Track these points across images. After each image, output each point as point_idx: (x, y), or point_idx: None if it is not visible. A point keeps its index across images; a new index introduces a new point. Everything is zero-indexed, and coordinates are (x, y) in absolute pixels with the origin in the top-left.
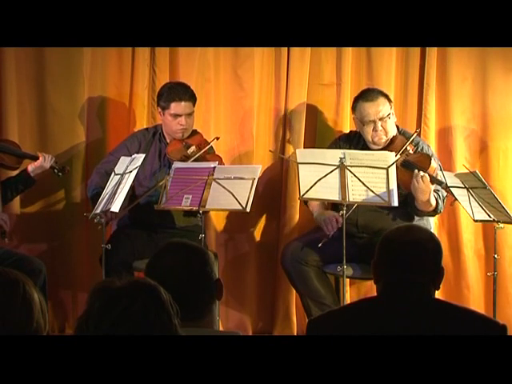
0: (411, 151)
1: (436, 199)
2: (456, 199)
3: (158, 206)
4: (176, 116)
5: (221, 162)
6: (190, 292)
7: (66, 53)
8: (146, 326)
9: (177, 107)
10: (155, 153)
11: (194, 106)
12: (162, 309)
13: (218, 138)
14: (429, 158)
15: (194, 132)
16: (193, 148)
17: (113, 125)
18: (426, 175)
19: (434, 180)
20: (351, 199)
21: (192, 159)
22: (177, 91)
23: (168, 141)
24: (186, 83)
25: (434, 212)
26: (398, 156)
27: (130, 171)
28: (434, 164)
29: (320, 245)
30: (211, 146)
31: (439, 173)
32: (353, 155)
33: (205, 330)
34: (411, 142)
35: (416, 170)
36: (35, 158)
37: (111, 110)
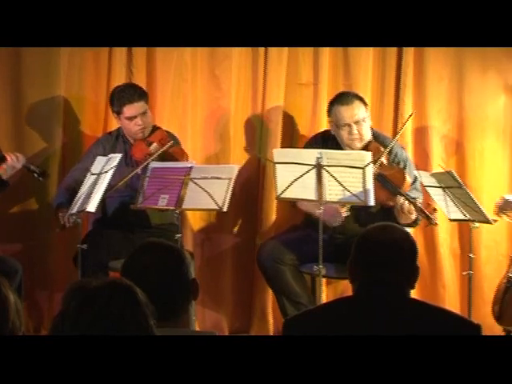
0: (385, 162)
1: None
2: (429, 221)
3: (134, 206)
4: (131, 118)
5: (184, 156)
6: (166, 292)
7: (43, 53)
8: (122, 326)
9: (130, 110)
10: (121, 155)
11: (146, 103)
12: (137, 309)
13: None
14: (402, 172)
15: (155, 128)
16: (155, 145)
17: (89, 125)
18: (412, 206)
19: (407, 198)
20: (328, 199)
21: (155, 156)
22: (126, 94)
23: (132, 141)
24: (134, 83)
25: (414, 223)
26: (375, 168)
27: (107, 171)
28: (408, 179)
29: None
30: (176, 140)
31: (415, 172)
32: (330, 155)
33: (181, 330)
34: (385, 148)
35: (401, 199)
36: (2, 159)
37: (88, 110)
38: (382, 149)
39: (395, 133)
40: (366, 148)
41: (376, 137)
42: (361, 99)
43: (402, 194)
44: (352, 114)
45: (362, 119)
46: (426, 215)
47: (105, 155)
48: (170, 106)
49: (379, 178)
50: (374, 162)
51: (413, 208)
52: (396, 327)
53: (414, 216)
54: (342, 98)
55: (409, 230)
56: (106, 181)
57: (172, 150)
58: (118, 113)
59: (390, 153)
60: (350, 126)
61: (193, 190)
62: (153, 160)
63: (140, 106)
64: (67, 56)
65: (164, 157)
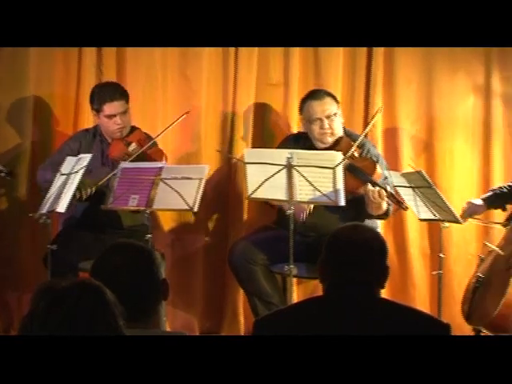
0: (357, 154)
1: (387, 203)
2: (399, 205)
3: (104, 206)
4: (111, 116)
5: (163, 157)
6: (136, 292)
7: (12, 53)
8: (91, 326)
9: (110, 108)
10: (98, 154)
11: (127, 103)
12: (106, 309)
13: (187, 113)
14: (373, 163)
15: (133, 128)
16: (133, 145)
17: (59, 124)
18: (383, 191)
19: (376, 185)
20: (298, 199)
21: (133, 156)
22: (107, 92)
23: (109, 140)
24: (115, 81)
25: (385, 215)
26: (345, 156)
27: (77, 171)
28: (379, 169)
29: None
30: (154, 142)
31: (385, 172)
32: (300, 155)
33: (151, 331)
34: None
35: (371, 186)
36: None
37: (58, 109)
38: (353, 143)
39: (366, 135)
40: (337, 143)
41: (348, 134)
42: (333, 96)
43: (372, 181)
44: (324, 108)
45: (333, 114)
46: (397, 200)
47: (80, 152)
48: (141, 106)
49: (350, 169)
50: (345, 153)
51: (383, 192)
52: (366, 327)
53: (384, 205)
54: (313, 94)
55: (379, 229)
56: (76, 181)
57: (150, 152)
58: (98, 110)
59: (362, 148)
60: (321, 120)
61: (163, 191)
62: (131, 161)
63: (120, 105)
64: (37, 56)
65: (143, 158)
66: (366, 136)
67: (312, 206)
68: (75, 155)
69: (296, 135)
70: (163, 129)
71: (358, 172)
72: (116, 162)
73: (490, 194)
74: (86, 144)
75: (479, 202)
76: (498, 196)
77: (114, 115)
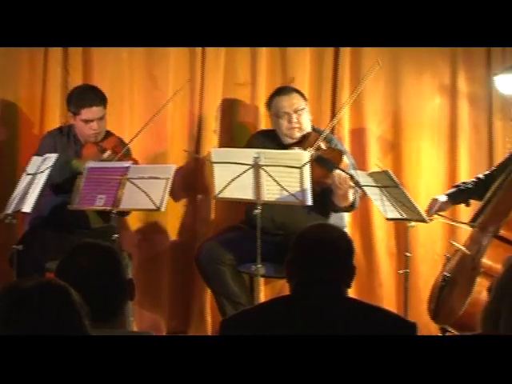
0: (324, 147)
1: (353, 194)
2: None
3: (70, 206)
4: (87, 121)
5: (136, 164)
6: (102, 293)
7: None
8: (55, 326)
9: (87, 113)
10: (71, 155)
11: (105, 108)
12: (71, 309)
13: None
14: (340, 153)
15: (108, 134)
16: (108, 152)
17: (25, 125)
18: (348, 176)
19: (346, 172)
20: (266, 198)
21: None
22: (86, 97)
23: (83, 142)
24: (96, 86)
25: (351, 207)
26: (313, 152)
27: (43, 171)
28: (346, 160)
29: None
30: (128, 148)
31: (353, 171)
32: (267, 154)
33: (117, 331)
34: (324, 139)
35: (337, 171)
36: None
37: (23, 110)
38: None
39: (332, 133)
40: (305, 138)
41: (316, 131)
42: (300, 92)
43: (339, 169)
44: (291, 103)
45: (301, 109)
46: (359, 184)
47: (56, 150)
48: (108, 106)
49: (317, 160)
50: (312, 145)
51: (349, 180)
52: (333, 326)
53: (351, 196)
54: (281, 90)
55: (346, 229)
56: (42, 181)
57: (124, 160)
58: (75, 114)
59: (329, 142)
60: (289, 114)
61: (130, 190)
62: None
63: (98, 111)
64: (2, 56)
65: None
66: (333, 133)
67: None
68: (55, 152)
69: (264, 132)
70: (131, 129)
71: (326, 162)
72: None
73: (454, 189)
74: (61, 144)
75: (444, 198)
76: (463, 191)
77: (91, 120)
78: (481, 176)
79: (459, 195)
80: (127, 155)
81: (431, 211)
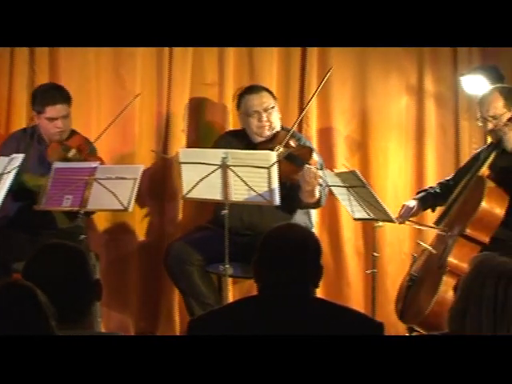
0: (293, 145)
1: (319, 191)
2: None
3: (37, 207)
4: (52, 119)
5: (102, 163)
6: (69, 293)
7: None
8: (22, 326)
9: (52, 111)
10: (35, 155)
11: (69, 107)
12: (38, 310)
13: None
14: (310, 150)
15: (73, 132)
16: (73, 151)
17: None
18: (318, 171)
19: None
20: (234, 198)
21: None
22: (51, 94)
23: (47, 142)
24: (60, 84)
25: (317, 204)
26: (282, 149)
27: (9, 171)
28: (316, 157)
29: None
30: (93, 147)
31: (320, 172)
32: (235, 155)
33: (84, 332)
34: (293, 137)
35: (306, 165)
36: None
37: None
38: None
39: (300, 132)
40: (274, 136)
41: (285, 129)
42: (269, 91)
43: (308, 165)
44: (261, 101)
45: (270, 107)
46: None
47: (19, 152)
48: (74, 106)
49: (287, 157)
50: (281, 143)
51: (318, 173)
52: (300, 326)
53: (317, 193)
54: (250, 89)
55: (314, 229)
56: (8, 181)
57: (90, 159)
58: (39, 112)
59: (298, 140)
60: (259, 113)
61: (97, 191)
62: None
63: (63, 109)
64: None
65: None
66: (300, 133)
67: None
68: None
69: (232, 132)
70: (99, 129)
71: (295, 159)
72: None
73: (423, 194)
74: (25, 145)
75: (413, 202)
76: (432, 195)
77: (56, 118)
78: (446, 180)
79: (428, 200)
80: (92, 154)
81: (403, 217)
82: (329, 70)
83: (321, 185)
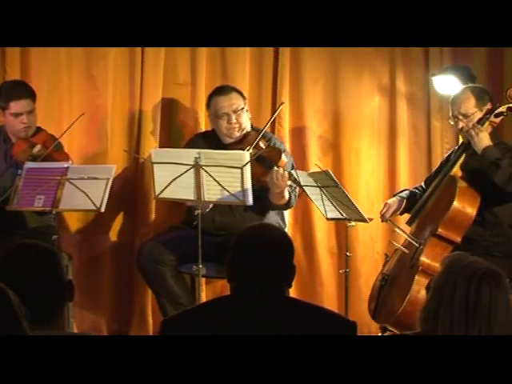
0: (263, 146)
1: (289, 193)
2: (303, 188)
3: (9, 207)
4: (17, 115)
5: (68, 159)
6: (40, 294)
7: None
8: None
9: (16, 106)
10: (1, 154)
11: (34, 102)
12: (9, 311)
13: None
14: (279, 152)
15: (39, 129)
16: (38, 147)
17: None
18: (286, 172)
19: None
20: (206, 198)
21: (40, 159)
22: (15, 90)
23: (13, 141)
24: (24, 80)
25: (287, 205)
26: (251, 150)
27: None
28: (285, 158)
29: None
30: (59, 143)
31: (292, 172)
32: (208, 155)
33: (56, 332)
34: (264, 138)
35: (275, 168)
36: None
37: None
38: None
39: (273, 133)
40: (244, 137)
41: (256, 130)
42: (239, 91)
43: (277, 167)
44: (230, 103)
45: (240, 109)
46: (300, 183)
47: None
48: (46, 106)
49: (256, 159)
50: (251, 144)
51: (286, 175)
52: (273, 326)
53: (286, 194)
54: (220, 90)
55: (286, 229)
56: None
57: (56, 154)
58: (4, 108)
59: (268, 141)
60: (228, 115)
61: (70, 191)
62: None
63: (27, 104)
64: None
65: (47, 160)
66: (273, 133)
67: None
68: None
69: (204, 133)
70: (66, 129)
71: (265, 161)
72: (20, 163)
73: (408, 193)
74: None
75: (395, 200)
76: (414, 195)
77: (21, 114)
78: (422, 184)
79: (410, 198)
80: (58, 150)
81: (386, 218)
82: (280, 104)
83: (290, 186)
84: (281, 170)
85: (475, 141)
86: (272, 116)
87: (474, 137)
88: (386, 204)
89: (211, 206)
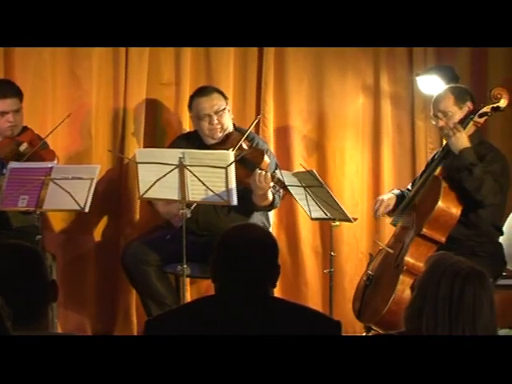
0: (246, 147)
1: (273, 194)
2: (286, 190)
3: None
4: (3, 114)
5: (55, 157)
6: (24, 294)
7: None
8: None
9: (3, 105)
10: None
11: (20, 102)
12: None
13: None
14: (262, 153)
15: (25, 128)
16: (25, 145)
17: None
18: (269, 174)
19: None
20: (191, 198)
21: (26, 157)
22: (1, 88)
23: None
24: (10, 79)
25: (270, 206)
26: (235, 152)
27: None
28: (267, 159)
29: (168, 237)
30: (44, 142)
31: (277, 172)
32: (192, 155)
33: (40, 333)
34: (246, 138)
35: (257, 170)
36: None
37: None
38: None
39: (258, 133)
40: (227, 138)
41: (238, 130)
42: (220, 92)
43: (260, 169)
44: (212, 104)
45: (221, 109)
46: (284, 184)
47: None
48: (30, 106)
49: (239, 160)
50: (234, 146)
51: (269, 176)
52: (258, 326)
53: (270, 195)
54: (201, 91)
55: (271, 229)
56: None
57: (42, 152)
58: None
59: (251, 141)
60: (210, 116)
61: (54, 191)
62: (25, 161)
63: (13, 103)
64: None
65: (34, 158)
66: (257, 133)
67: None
68: None
69: (187, 134)
70: (53, 129)
71: (246, 163)
72: (6, 162)
73: (399, 192)
74: None
75: (390, 195)
76: (404, 196)
77: (7, 112)
78: (409, 187)
79: (399, 196)
80: (44, 148)
81: (378, 213)
82: (257, 116)
83: (274, 187)
84: (263, 172)
85: (452, 140)
86: (249, 127)
87: (451, 136)
88: (377, 200)
89: (189, 214)
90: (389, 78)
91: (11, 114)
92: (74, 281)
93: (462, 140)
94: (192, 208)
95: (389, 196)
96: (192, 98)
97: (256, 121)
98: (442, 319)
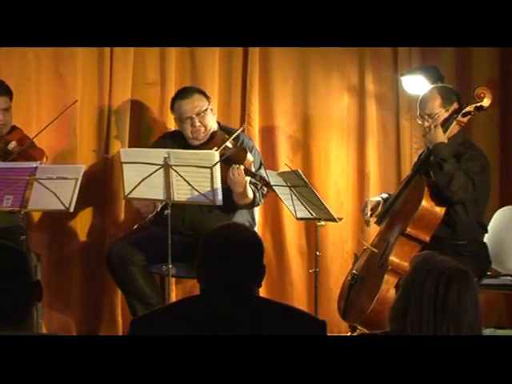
0: (231, 146)
1: (253, 192)
2: (268, 186)
3: None
4: None
5: (44, 156)
6: (8, 295)
7: None
8: None
9: None
10: None
11: (10, 100)
12: None
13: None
14: (245, 151)
15: (14, 128)
16: (14, 143)
17: None
18: (241, 167)
19: (248, 172)
20: (176, 198)
21: (14, 155)
22: None
23: None
24: (0, 78)
25: (252, 205)
26: (219, 151)
27: None
28: (250, 157)
29: (136, 226)
30: (32, 141)
31: (262, 171)
32: (177, 154)
33: (24, 333)
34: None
35: (232, 165)
36: None
37: None
38: (227, 136)
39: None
40: (211, 138)
41: (224, 129)
42: (202, 92)
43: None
44: (193, 106)
45: (203, 111)
46: (266, 182)
47: None
48: (14, 105)
49: (223, 160)
50: (219, 146)
51: (242, 169)
52: (243, 326)
53: (250, 194)
54: (182, 93)
55: (256, 228)
56: None
57: (31, 151)
58: None
59: (236, 140)
60: (192, 118)
61: (38, 191)
62: (14, 160)
63: (3, 102)
64: None
65: (23, 157)
66: (243, 131)
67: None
68: None
69: (172, 133)
70: (39, 128)
71: (230, 162)
72: None
73: (387, 196)
74: None
75: (378, 198)
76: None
77: None
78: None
79: (386, 200)
80: (33, 147)
81: (366, 217)
82: (241, 126)
83: (256, 185)
84: (236, 165)
85: (429, 135)
86: (231, 136)
87: (429, 132)
88: (365, 202)
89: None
90: (373, 77)
91: (0, 113)
92: (58, 281)
93: (438, 135)
94: (163, 204)
95: (377, 199)
96: (173, 100)
97: (241, 129)
98: (426, 318)
